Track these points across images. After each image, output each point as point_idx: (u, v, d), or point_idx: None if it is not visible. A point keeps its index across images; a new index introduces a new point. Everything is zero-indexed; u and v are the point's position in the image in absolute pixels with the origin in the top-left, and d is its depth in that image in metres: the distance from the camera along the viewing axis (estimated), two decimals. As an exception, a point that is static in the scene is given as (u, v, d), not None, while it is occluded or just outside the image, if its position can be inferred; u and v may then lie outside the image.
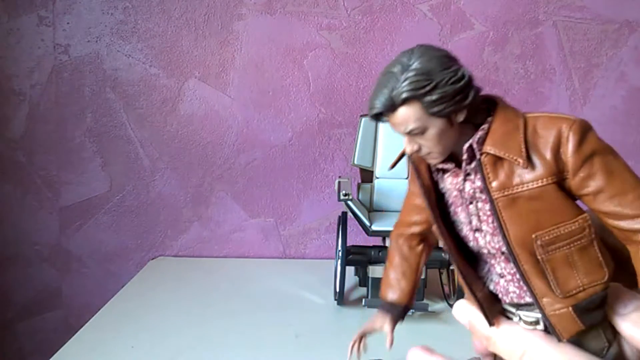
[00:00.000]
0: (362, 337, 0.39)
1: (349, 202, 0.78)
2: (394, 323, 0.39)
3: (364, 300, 0.79)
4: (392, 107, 0.29)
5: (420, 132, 0.29)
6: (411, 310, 0.76)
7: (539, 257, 0.27)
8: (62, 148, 1.03)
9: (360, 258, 0.81)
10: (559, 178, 0.27)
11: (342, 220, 0.82)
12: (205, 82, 1.02)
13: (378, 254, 0.79)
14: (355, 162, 0.87)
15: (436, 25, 0.99)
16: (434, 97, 0.27)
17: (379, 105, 0.30)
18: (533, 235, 0.27)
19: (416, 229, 0.37)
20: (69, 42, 1.01)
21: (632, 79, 1.00)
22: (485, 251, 0.30)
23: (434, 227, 0.31)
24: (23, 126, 1.03)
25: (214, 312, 0.81)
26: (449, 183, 0.30)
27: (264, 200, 1.05)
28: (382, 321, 0.38)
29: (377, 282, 0.79)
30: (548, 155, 0.27)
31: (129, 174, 1.04)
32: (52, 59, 1.01)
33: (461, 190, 0.30)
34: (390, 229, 0.79)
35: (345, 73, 1.01)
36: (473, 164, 0.29)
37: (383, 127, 0.87)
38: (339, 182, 0.82)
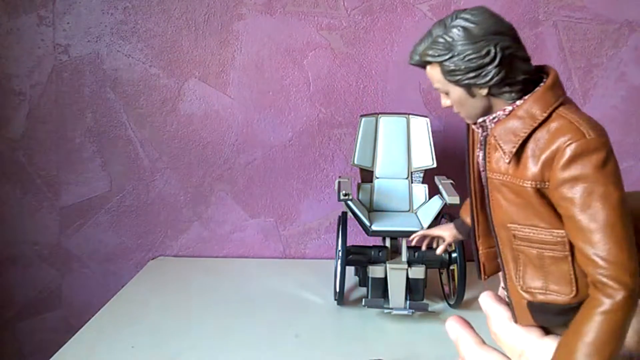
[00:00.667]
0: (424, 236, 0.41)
1: (349, 202, 0.78)
2: (456, 238, 0.45)
3: (364, 300, 0.79)
4: (419, 63, 0.31)
5: (444, 92, 0.30)
6: (411, 310, 0.76)
7: (513, 246, 0.28)
8: (62, 148, 1.03)
9: (360, 258, 0.81)
10: (540, 185, 0.27)
11: (342, 220, 0.82)
12: (205, 82, 1.02)
13: (378, 254, 0.79)
14: (355, 162, 0.87)
15: (436, 25, 0.99)
16: (450, 67, 0.29)
17: (412, 55, 0.31)
18: (508, 224, 0.28)
19: None
20: (69, 42, 1.01)
21: (632, 79, 1.00)
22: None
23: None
24: (23, 126, 1.03)
25: (214, 312, 0.81)
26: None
27: (264, 200, 1.05)
28: (449, 231, 0.42)
29: (377, 282, 0.79)
30: (541, 160, 0.27)
31: (129, 174, 1.04)
32: (52, 59, 1.01)
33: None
34: (390, 229, 0.80)
35: (345, 73, 1.01)
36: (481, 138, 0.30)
37: (383, 127, 0.87)
38: (339, 182, 0.82)
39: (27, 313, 1.08)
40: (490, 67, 0.28)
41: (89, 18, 1.00)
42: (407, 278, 0.78)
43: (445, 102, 0.31)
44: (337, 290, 0.82)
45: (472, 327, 0.34)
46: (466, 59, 0.28)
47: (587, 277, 0.26)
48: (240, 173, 1.05)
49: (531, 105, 0.28)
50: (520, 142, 0.27)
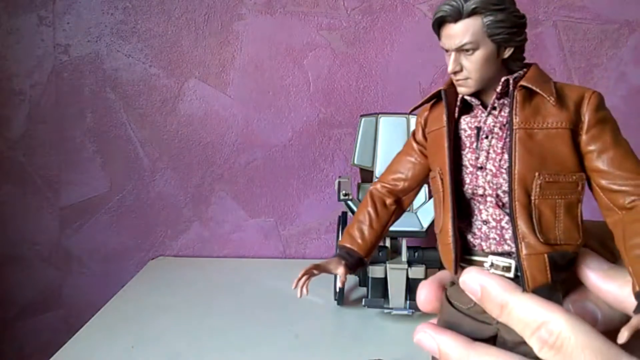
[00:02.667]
0: (309, 274, 0.36)
1: (349, 202, 0.78)
2: (347, 271, 0.37)
3: (364, 300, 0.79)
4: (458, 14, 0.30)
5: (472, 49, 0.30)
6: (411, 310, 0.76)
7: (532, 198, 0.29)
8: (62, 148, 1.03)
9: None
10: (574, 128, 0.29)
11: (342, 220, 0.82)
12: (205, 82, 1.02)
13: (378, 254, 0.79)
14: (355, 162, 0.87)
15: (436, 25, 0.99)
16: (498, 17, 0.30)
17: (447, 9, 0.31)
18: (537, 173, 0.29)
19: (399, 185, 0.37)
20: (69, 42, 1.01)
21: (632, 79, 1.00)
22: (480, 192, 0.31)
23: (438, 169, 0.32)
24: (23, 126, 1.03)
25: (214, 312, 0.81)
26: (465, 123, 0.32)
27: (264, 200, 1.05)
28: (337, 265, 0.36)
29: (377, 282, 0.79)
30: (571, 106, 0.30)
31: (129, 174, 1.04)
32: (52, 59, 1.01)
33: (478, 127, 0.31)
34: (390, 228, 0.80)
35: (345, 73, 1.01)
36: (501, 100, 0.31)
37: (383, 127, 0.87)
38: (339, 182, 0.82)
39: (27, 313, 1.08)
40: (523, 28, 0.31)
41: (89, 18, 1.00)
42: (407, 278, 0.78)
43: (456, 67, 0.31)
44: (337, 290, 0.82)
45: (449, 330, 0.30)
46: (513, 14, 0.31)
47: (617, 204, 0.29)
48: (240, 173, 1.05)
49: (538, 70, 0.31)
50: (554, 87, 0.30)
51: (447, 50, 0.31)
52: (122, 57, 1.01)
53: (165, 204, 1.05)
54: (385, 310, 0.77)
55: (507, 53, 0.31)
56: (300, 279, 0.36)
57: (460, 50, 0.31)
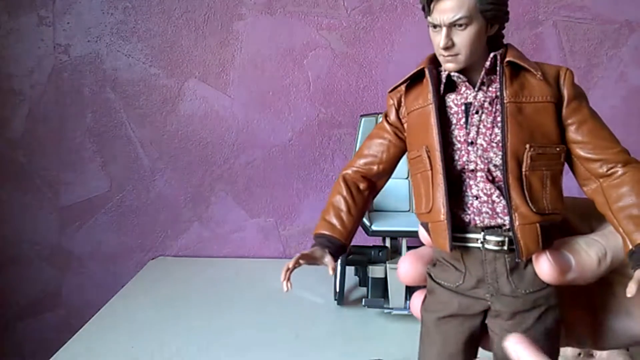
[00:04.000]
0: (295, 266, 0.34)
1: (349, 202, 0.78)
2: (333, 259, 0.36)
3: (364, 300, 0.79)
4: None
5: (465, 24, 0.30)
6: (410, 310, 0.76)
7: (523, 171, 0.30)
8: (62, 148, 1.03)
9: (360, 258, 0.81)
10: (556, 101, 0.31)
11: (342, 220, 0.82)
12: (205, 82, 1.02)
13: (378, 254, 0.79)
14: (355, 162, 0.87)
15: (436, 25, 0.99)
16: None
17: None
18: (527, 145, 0.30)
19: (373, 169, 0.36)
20: (69, 42, 1.01)
21: (632, 79, 1.00)
22: (471, 167, 0.31)
23: (425, 147, 0.32)
24: (23, 126, 1.03)
25: (214, 312, 0.81)
26: (451, 101, 0.32)
27: (264, 200, 1.05)
28: (322, 254, 0.35)
29: (377, 282, 0.79)
30: (551, 82, 0.31)
31: (129, 174, 1.04)
32: (52, 59, 1.01)
33: (466, 104, 0.32)
34: (390, 228, 0.80)
35: (345, 73, 1.01)
36: (489, 76, 0.31)
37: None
38: (339, 182, 0.82)
39: (27, 313, 1.08)
40: (507, 7, 0.32)
41: (89, 18, 1.00)
42: (407, 278, 0.78)
43: (447, 42, 0.31)
44: (337, 290, 0.82)
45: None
46: None
47: (602, 166, 0.31)
48: (240, 173, 1.05)
49: (516, 50, 0.32)
50: (535, 63, 0.31)
51: (435, 27, 0.32)
52: (122, 57, 1.01)
53: (165, 204, 1.05)
54: (385, 310, 0.77)
55: (493, 30, 0.32)
56: (286, 273, 0.34)
57: (452, 25, 0.31)
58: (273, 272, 0.97)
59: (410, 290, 0.78)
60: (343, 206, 0.36)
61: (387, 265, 0.78)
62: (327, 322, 0.78)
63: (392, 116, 0.35)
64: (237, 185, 1.05)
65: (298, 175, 1.04)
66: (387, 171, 0.36)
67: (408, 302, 0.78)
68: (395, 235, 0.79)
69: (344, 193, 0.36)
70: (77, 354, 0.68)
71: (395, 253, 0.81)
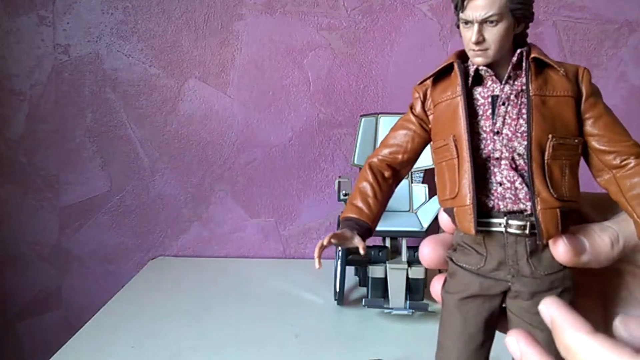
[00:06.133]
0: (328, 244, 0.35)
1: (349, 202, 0.78)
2: (363, 240, 0.37)
3: (364, 300, 0.79)
4: None
5: (496, 20, 0.32)
6: (411, 310, 0.76)
7: (546, 159, 0.32)
8: (62, 148, 1.03)
9: (360, 258, 0.81)
10: (576, 96, 0.33)
11: (342, 220, 0.82)
12: (205, 82, 1.02)
13: (378, 254, 0.79)
14: (355, 162, 0.87)
15: (436, 25, 0.99)
16: None
17: None
18: (550, 135, 0.32)
19: (398, 158, 0.38)
20: (69, 42, 1.01)
21: (632, 79, 1.00)
22: (496, 155, 0.33)
23: (452, 136, 0.33)
24: (23, 126, 1.03)
25: (214, 312, 0.81)
26: (477, 93, 0.34)
27: (264, 200, 1.05)
28: (351, 234, 0.36)
29: (377, 282, 0.79)
30: (572, 78, 0.33)
31: (129, 174, 1.04)
32: (52, 59, 1.01)
33: (492, 96, 0.33)
34: (390, 229, 0.80)
35: (345, 73, 1.01)
36: (516, 71, 0.33)
37: (383, 127, 0.87)
38: (339, 182, 0.83)
39: (27, 313, 1.08)
40: (532, 7, 0.34)
41: (89, 18, 1.00)
42: (407, 278, 0.78)
43: (479, 37, 0.33)
44: (337, 290, 0.82)
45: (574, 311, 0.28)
46: None
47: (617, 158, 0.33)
48: (240, 173, 1.05)
49: (537, 47, 0.34)
50: (556, 61, 0.33)
51: (466, 23, 0.33)
52: (122, 57, 1.01)
53: (165, 204, 1.05)
54: (385, 310, 0.77)
55: (519, 29, 0.34)
56: (320, 250, 0.35)
57: (484, 22, 0.32)
58: (273, 272, 0.98)
59: (410, 291, 0.79)
60: (369, 191, 0.37)
61: (387, 265, 0.78)
62: (327, 322, 0.78)
63: (418, 108, 0.37)
64: (237, 185, 1.05)
65: (298, 175, 1.04)
66: (411, 160, 0.38)
67: (408, 302, 0.78)
68: (395, 235, 0.79)
69: (370, 179, 0.37)
70: (77, 354, 0.68)
71: (395, 253, 0.81)
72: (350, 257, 0.81)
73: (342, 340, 0.73)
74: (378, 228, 0.78)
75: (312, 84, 1.02)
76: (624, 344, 0.25)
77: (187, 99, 1.03)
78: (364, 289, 0.84)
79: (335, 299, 0.83)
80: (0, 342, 1.08)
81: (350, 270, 0.84)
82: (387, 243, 0.80)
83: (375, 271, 0.79)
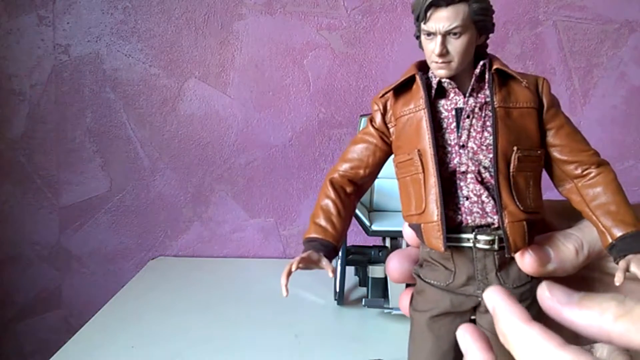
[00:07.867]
0: (291, 270, 0.35)
1: (349, 202, 0.78)
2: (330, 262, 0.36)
3: (364, 300, 0.79)
4: (451, 0, 0.32)
5: (460, 33, 0.32)
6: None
7: (511, 171, 0.31)
8: (62, 148, 1.03)
9: (360, 258, 0.81)
10: (538, 107, 0.33)
11: (342, 220, 0.82)
12: (205, 82, 1.02)
13: (378, 254, 0.79)
14: (355, 162, 0.87)
15: (436, 25, 0.99)
16: (482, 5, 0.32)
17: None
18: (515, 147, 0.31)
19: (359, 173, 0.36)
20: (69, 42, 1.01)
21: (632, 79, 1.00)
22: (462, 169, 0.32)
23: (416, 150, 0.33)
24: (23, 126, 1.03)
25: (214, 312, 0.81)
26: (441, 106, 0.33)
27: (264, 200, 1.05)
28: (317, 256, 0.35)
29: (377, 282, 0.79)
30: (532, 89, 0.33)
31: (129, 174, 1.04)
32: (52, 59, 1.01)
33: (457, 109, 0.33)
34: (390, 229, 0.80)
35: (345, 73, 1.01)
36: (479, 83, 0.33)
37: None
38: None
39: (27, 313, 1.08)
40: (494, 20, 0.34)
41: (89, 18, 1.00)
42: (407, 278, 0.78)
43: (442, 49, 0.32)
44: (337, 290, 0.82)
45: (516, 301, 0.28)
46: (490, 4, 0.33)
47: (577, 168, 0.33)
48: (240, 173, 1.05)
49: (498, 58, 0.34)
50: (517, 72, 0.33)
51: (429, 34, 0.33)
52: (122, 57, 1.01)
53: (165, 204, 1.05)
54: (385, 310, 0.77)
55: (481, 40, 0.33)
56: (287, 277, 0.35)
57: (447, 33, 0.32)
58: (273, 272, 0.97)
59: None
60: (332, 209, 0.36)
61: (387, 265, 0.78)
62: (327, 322, 0.78)
63: (378, 121, 0.36)
64: (237, 185, 1.05)
65: (298, 175, 1.04)
66: (373, 175, 0.37)
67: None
68: (395, 235, 0.79)
69: (333, 196, 0.36)
70: (77, 354, 0.68)
71: (395, 253, 0.81)
72: (350, 257, 0.81)
73: (342, 340, 0.73)
74: (377, 228, 0.78)
75: (312, 84, 1.02)
76: (555, 334, 0.26)
77: (187, 99, 1.03)
78: (364, 289, 0.84)
79: (335, 299, 0.83)
80: (0, 342, 1.08)
81: (350, 270, 0.84)
82: (387, 243, 0.80)
83: (375, 271, 0.79)
